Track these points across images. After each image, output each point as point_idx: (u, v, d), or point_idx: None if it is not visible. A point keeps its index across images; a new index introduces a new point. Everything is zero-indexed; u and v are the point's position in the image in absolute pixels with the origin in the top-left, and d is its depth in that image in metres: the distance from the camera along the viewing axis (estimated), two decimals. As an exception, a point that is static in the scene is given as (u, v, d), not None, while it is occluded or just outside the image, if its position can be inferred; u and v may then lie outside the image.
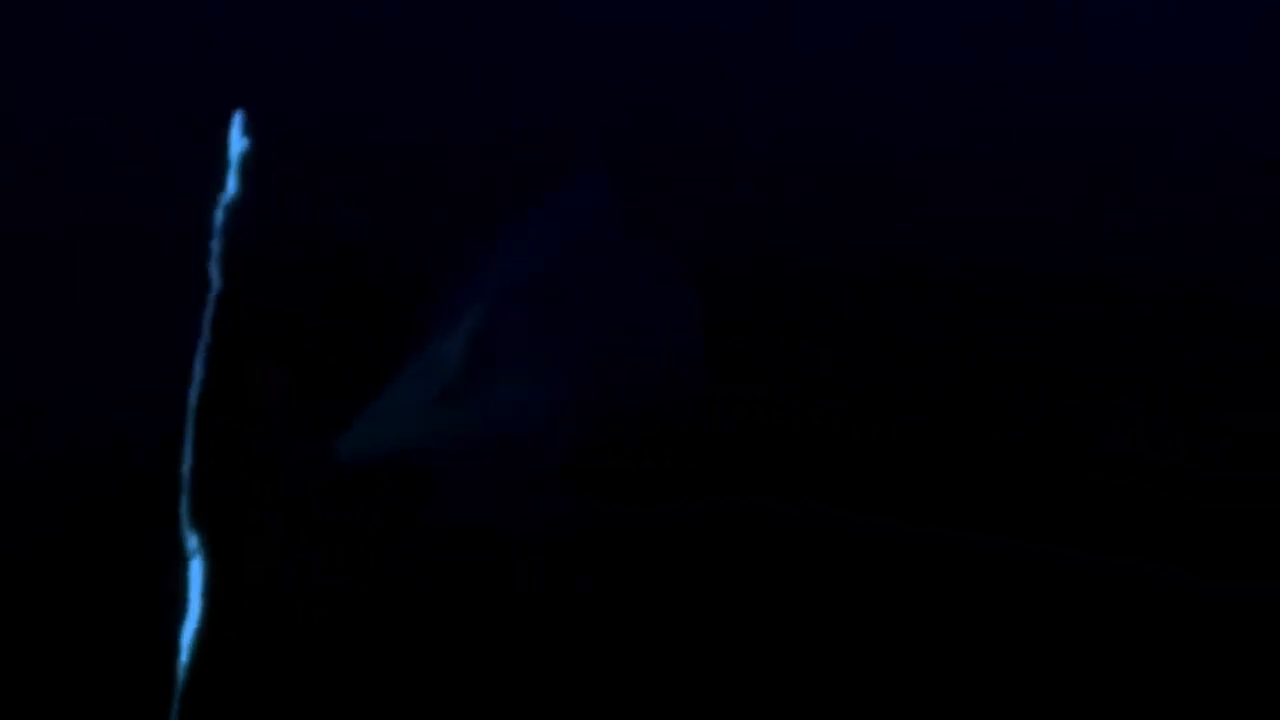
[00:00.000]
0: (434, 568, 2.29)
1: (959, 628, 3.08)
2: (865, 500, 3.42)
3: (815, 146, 5.71)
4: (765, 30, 7.09)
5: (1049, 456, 3.74)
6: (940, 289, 4.66)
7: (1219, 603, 3.24)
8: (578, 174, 4.11)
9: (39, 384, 3.74)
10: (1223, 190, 5.63)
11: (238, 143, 2.00)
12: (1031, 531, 3.41)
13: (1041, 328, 4.45)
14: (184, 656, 2.04)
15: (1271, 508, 3.59)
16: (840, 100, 6.24)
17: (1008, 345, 4.32)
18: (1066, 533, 3.43)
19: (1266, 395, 4.11)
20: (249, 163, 3.38)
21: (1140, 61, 6.95)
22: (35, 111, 4.71)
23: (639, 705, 2.52)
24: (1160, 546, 3.42)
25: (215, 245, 2.05)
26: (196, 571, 2.10)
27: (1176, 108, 6.49)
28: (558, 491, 2.72)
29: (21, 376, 3.77)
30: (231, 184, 2.05)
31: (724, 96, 6.15)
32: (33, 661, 2.91)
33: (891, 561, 3.24)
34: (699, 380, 3.28)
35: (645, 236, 3.78)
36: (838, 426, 3.71)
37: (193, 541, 2.10)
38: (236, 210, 2.22)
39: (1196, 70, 6.87)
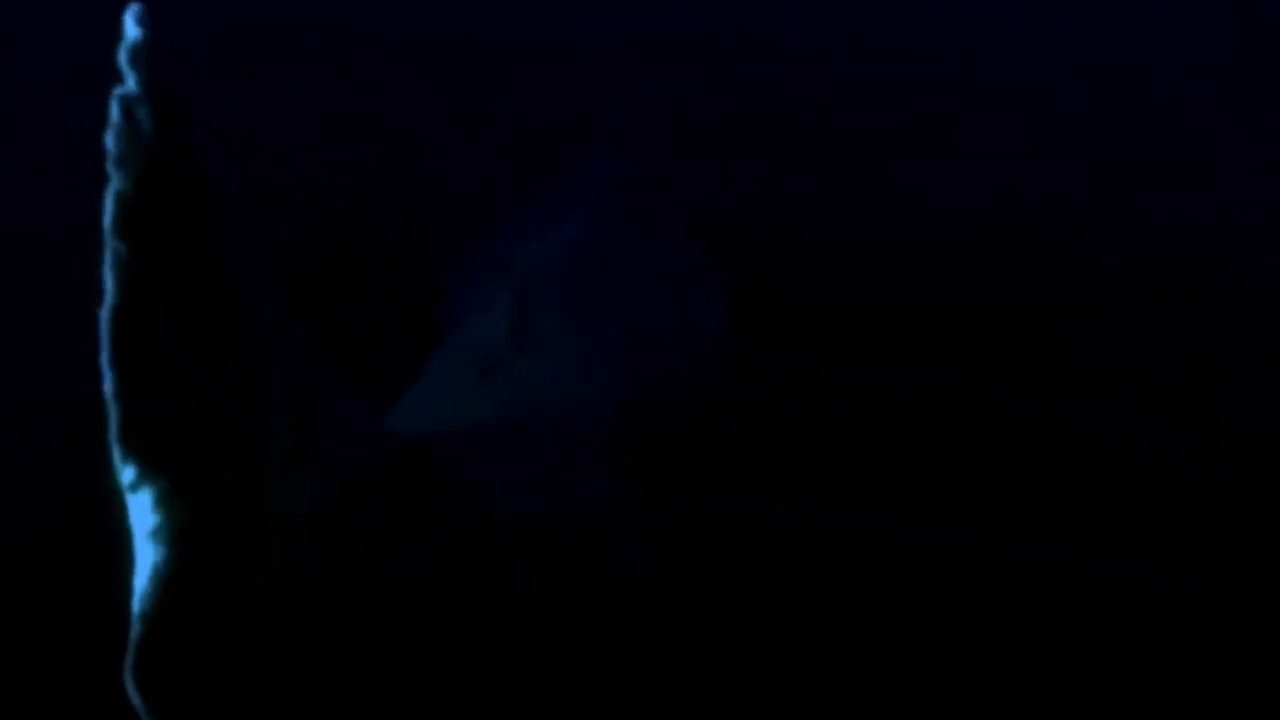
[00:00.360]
0: (434, 568, 2.23)
1: (959, 628, 3.08)
2: (865, 500, 3.41)
3: (818, 144, 5.72)
4: (764, 24, 7.09)
5: (1049, 457, 3.73)
6: (940, 288, 4.65)
7: (1219, 603, 3.24)
8: (588, 164, 4.04)
9: (39, 383, 3.73)
10: (1223, 190, 5.63)
11: (131, 31, 1.69)
12: (1031, 532, 3.41)
13: (1042, 327, 4.45)
14: (136, 605, 1.79)
15: (1272, 508, 3.59)
16: (839, 99, 6.25)
17: (1009, 344, 4.31)
18: (1066, 533, 3.43)
19: (1267, 395, 4.11)
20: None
21: (1145, 60, 6.93)
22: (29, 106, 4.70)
23: (638, 705, 2.51)
24: (1160, 546, 3.41)
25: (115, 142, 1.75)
26: (142, 509, 1.79)
27: (1173, 107, 6.48)
28: (596, 478, 2.66)
29: (21, 376, 3.76)
30: (130, 81, 1.71)
31: (726, 94, 6.15)
32: (33, 663, 2.90)
33: (891, 562, 3.23)
34: (703, 380, 3.24)
35: (655, 230, 3.74)
36: (838, 426, 3.71)
37: (129, 474, 1.78)
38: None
39: (1199, 70, 6.86)
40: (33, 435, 3.57)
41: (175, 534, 1.79)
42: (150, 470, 1.78)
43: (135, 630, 1.77)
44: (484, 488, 2.42)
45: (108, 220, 1.75)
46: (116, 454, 1.77)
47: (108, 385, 1.74)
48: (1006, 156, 5.76)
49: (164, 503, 1.79)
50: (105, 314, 1.75)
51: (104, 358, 1.75)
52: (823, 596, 3.08)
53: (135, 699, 1.76)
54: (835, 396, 3.85)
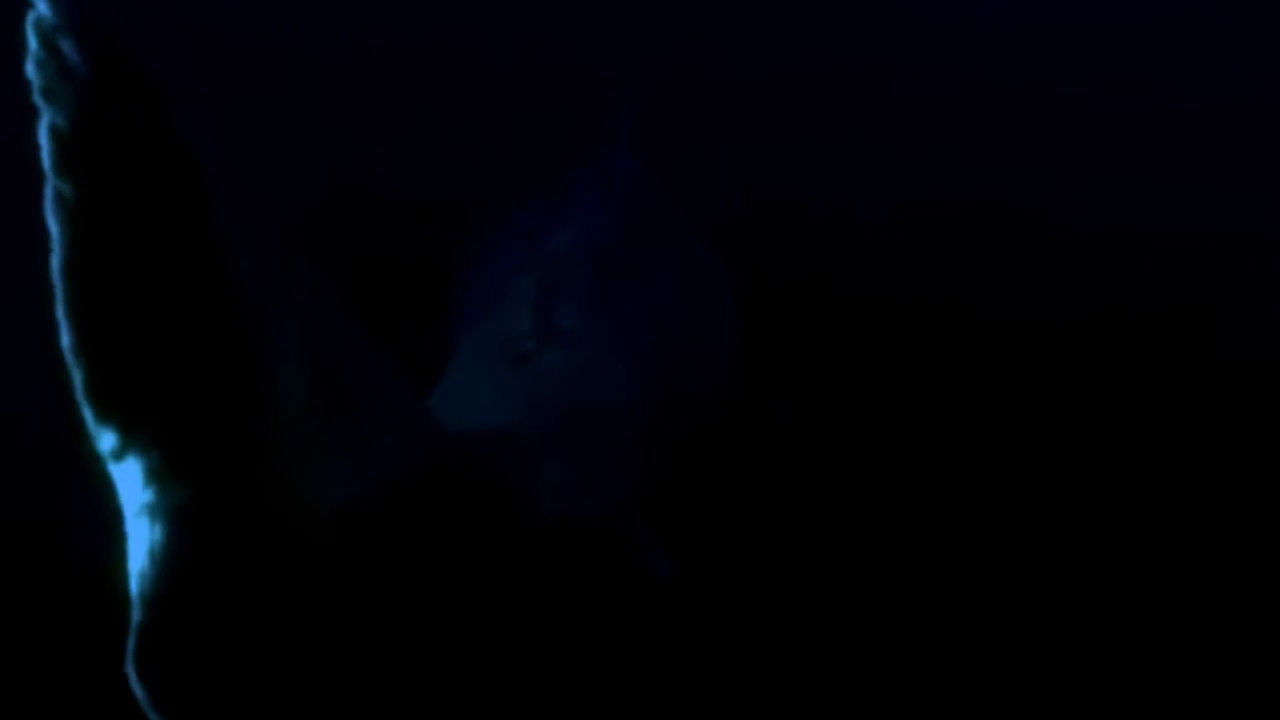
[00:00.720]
0: (475, 570, 2.12)
1: (959, 627, 3.08)
2: (865, 500, 3.42)
3: (833, 137, 5.71)
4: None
5: (1049, 456, 3.74)
6: (966, 280, 4.66)
7: (1219, 602, 3.24)
8: (603, 156, 3.97)
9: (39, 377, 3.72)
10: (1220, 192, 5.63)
11: None
12: (1031, 531, 3.41)
13: (1043, 328, 4.45)
14: (134, 588, 1.52)
15: (1271, 507, 3.59)
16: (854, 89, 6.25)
17: (1008, 346, 4.31)
18: (1066, 532, 3.43)
19: (1267, 395, 4.11)
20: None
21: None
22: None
23: (637, 707, 2.51)
24: (1160, 546, 3.42)
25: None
26: (130, 481, 1.50)
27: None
28: (618, 475, 2.59)
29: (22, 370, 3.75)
30: (42, 6, 1.47)
31: (740, 85, 6.15)
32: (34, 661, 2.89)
33: (891, 561, 3.24)
34: (722, 377, 3.19)
35: (671, 223, 3.70)
36: (857, 423, 3.71)
37: (110, 441, 1.48)
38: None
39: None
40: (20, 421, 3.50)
41: (172, 510, 1.53)
42: (134, 436, 1.50)
43: (135, 616, 1.54)
44: (528, 489, 2.27)
45: (45, 157, 1.49)
46: (89, 418, 1.49)
47: (66, 339, 1.47)
48: (1038, 161, 5.76)
49: (156, 477, 1.52)
50: (54, 259, 1.48)
51: (58, 308, 1.47)
52: (819, 597, 3.08)
53: (137, 689, 1.53)
54: (854, 393, 3.86)
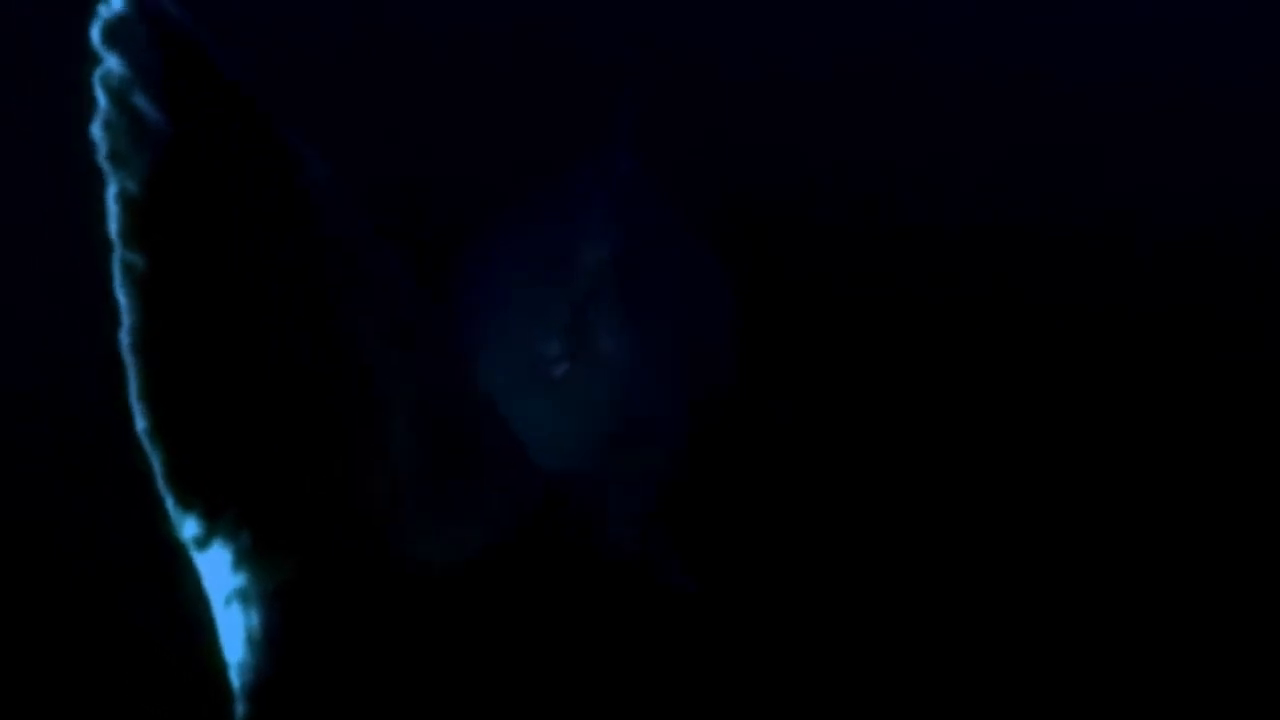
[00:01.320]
0: (568, 621, 1.99)
1: (960, 627, 3.08)
2: (865, 500, 3.42)
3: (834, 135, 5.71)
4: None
5: (1050, 456, 3.74)
6: (948, 294, 4.66)
7: (1219, 601, 3.25)
8: (605, 158, 3.94)
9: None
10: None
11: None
12: (1031, 530, 3.41)
13: (1042, 328, 4.45)
14: (235, 679, 1.42)
15: (1271, 507, 3.59)
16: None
17: (1007, 345, 4.31)
18: (1068, 532, 3.43)
19: (1267, 394, 4.11)
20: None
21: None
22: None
23: (638, 709, 2.51)
24: (1161, 546, 3.42)
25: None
26: (218, 569, 1.39)
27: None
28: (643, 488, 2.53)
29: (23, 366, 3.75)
30: (112, 61, 1.30)
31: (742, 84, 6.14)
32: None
33: (891, 561, 3.24)
34: (731, 384, 3.17)
35: (676, 225, 3.67)
36: (837, 427, 3.71)
37: (193, 529, 1.38)
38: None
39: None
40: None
41: (268, 594, 1.43)
42: (221, 521, 1.39)
43: (239, 710, 1.43)
44: (604, 527, 2.19)
45: (113, 225, 1.32)
46: (170, 506, 1.39)
47: (141, 423, 1.35)
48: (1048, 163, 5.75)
49: (248, 561, 1.40)
50: (125, 337, 1.34)
51: (131, 390, 1.34)
52: (818, 599, 3.08)
53: None
54: (853, 393, 3.86)
